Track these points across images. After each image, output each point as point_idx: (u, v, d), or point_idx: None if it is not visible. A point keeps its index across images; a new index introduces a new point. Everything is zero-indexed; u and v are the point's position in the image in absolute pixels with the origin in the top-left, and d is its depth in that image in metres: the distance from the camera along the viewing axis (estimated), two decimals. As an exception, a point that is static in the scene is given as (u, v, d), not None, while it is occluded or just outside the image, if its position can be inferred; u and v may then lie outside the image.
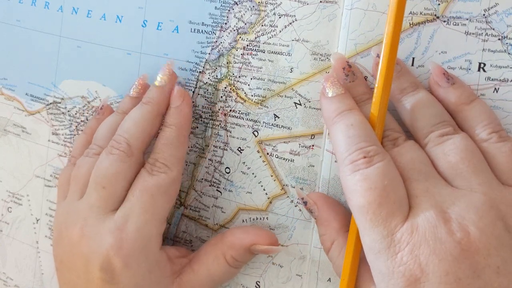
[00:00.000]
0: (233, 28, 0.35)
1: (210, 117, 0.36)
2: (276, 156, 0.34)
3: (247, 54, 0.34)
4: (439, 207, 0.25)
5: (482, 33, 0.29)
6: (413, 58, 0.31)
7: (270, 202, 0.34)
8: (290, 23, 0.33)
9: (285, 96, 0.33)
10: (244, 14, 0.34)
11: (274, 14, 0.33)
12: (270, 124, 0.34)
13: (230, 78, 0.35)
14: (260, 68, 0.34)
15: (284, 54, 0.33)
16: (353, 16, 0.31)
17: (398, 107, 0.30)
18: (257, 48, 0.34)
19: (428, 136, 0.28)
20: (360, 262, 0.29)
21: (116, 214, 0.31)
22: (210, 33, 0.35)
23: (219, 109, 0.35)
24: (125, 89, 0.38)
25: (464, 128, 0.29)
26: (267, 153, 0.34)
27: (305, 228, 0.33)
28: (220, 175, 0.36)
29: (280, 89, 0.34)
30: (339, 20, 0.31)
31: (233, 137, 0.35)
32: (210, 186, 0.36)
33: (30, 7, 0.41)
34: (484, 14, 0.29)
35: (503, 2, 0.29)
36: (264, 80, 0.34)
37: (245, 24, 0.34)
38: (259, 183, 0.35)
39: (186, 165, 0.37)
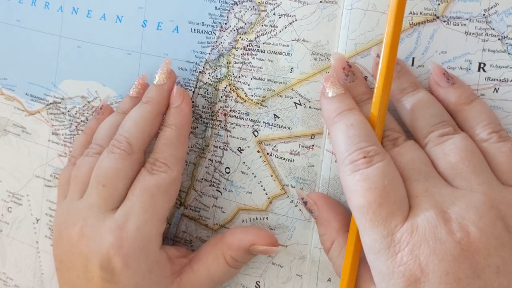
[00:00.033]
0: (233, 28, 0.35)
1: (210, 117, 0.36)
2: (276, 156, 0.34)
3: (247, 54, 0.34)
4: (439, 207, 0.25)
5: (482, 33, 0.29)
6: (413, 58, 0.31)
7: (270, 202, 0.34)
8: (290, 23, 0.33)
9: (285, 96, 0.33)
10: (244, 14, 0.34)
11: (274, 14, 0.33)
12: (270, 124, 0.34)
13: (230, 78, 0.35)
14: (260, 68, 0.34)
15: (284, 54, 0.33)
16: (353, 16, 0.31)
17: (398, 107, 0.30)
18: (257, 48, 0.34)
19: (428, 136, 0.28)
20: (360, 262, 0.29)
21: (117, 213, 0.31)
22: (210, 33, 0.35)
23: (219, 109, 0.35)
24: (125, 89, 0.38)
25: (464, 128, 0.29)
26: (267, 153, 0.34)
27: (305, 228, 0.33)
28: (220, 175, 0.36)
29: (280, 89, 0.34)
30: (339, 20, 0.31)
31: (233, 137, 0.35)
32: (210, 186, 0.36)
33: (30, 7, 0.41)
34: (484, 14, 0.29)
35: (503, 2, 0.29)
36: (264, 80, 0.34)
37: (245, 24, 0.34)
38: (259, 183, 0.35)
39: (186, 165, 0.37)
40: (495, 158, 0.27)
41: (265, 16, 0.33)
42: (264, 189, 0.34)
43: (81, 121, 0.40)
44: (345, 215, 0.31)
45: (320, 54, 0.32)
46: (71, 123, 0.41)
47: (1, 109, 0.44)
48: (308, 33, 0.32)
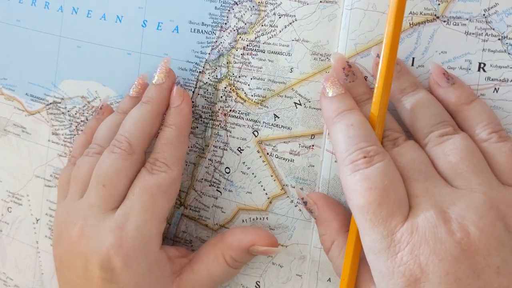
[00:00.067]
0: (233, 28, 0.35)
1: (210, 117, 0.36)
2: (276, 156, 0.34)
3: (247, 54, 0.34)
4: (439, 207, 0.25)
5: (482, 33, 0.29)
6: (413, 58, 0.31)
7: (270, 202, 0.34)
8: (290, 23, 0.33)
9: (285, 96, 0.33)
10: (244, 14, 0.34)
11: (274, 14, 0.33)
12: (270, 124, 0.34)
13: (230, 78, 0.35)
14: (260, 68, 0.34)
15: (284, 54, 0.33)
16: (353, 16, 0.31)
17: (398, 107, 0.30)
18: (257, 48, 0.34)
19: (428, 136, 0.28)
20: (360, 262, 0.29)
21: (117, 213, 0.31)
22: (210, 33, 0.35)
23: (219, 109, 0.35)
24: (125, 89, 0.38)
25: (464, 128, 0.29)
26: (267, 153, 0.34)
27: (305, 228, 0.33)
28: (220, 175, 0.36)
29: (280, 89, 0.34)
30: (339, 20, 0.31)
31: (233, 137, 0.35)
32: (210, 186, 0.36)
33: (30, 7, 0.41)
34: (484, 14, 0.29)
35: (503, 2, 0.29)
36: (264, 80, 0.34)
37: (245, 24, 0.34)
38: (259, 183, 0.35)
39: (186, 165, 0.37)
40: (495, 158, 0.27)
41: (265, 16, 0.33)
42: (264, 189, 0.34)
43: (81, 121, 0.40)
44: (345, 215, 0.31)
45: (320, 54, 0.32)
46: (71, 123, 0.41)
47: (1, 109, 0.44)
48: (308, 33, 0.32)
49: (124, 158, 0.32)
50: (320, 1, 0.32)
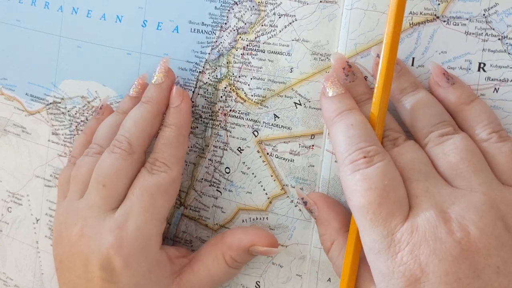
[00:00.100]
0: (233, 28, 0.35)
1: (210, 117, 0.36)
2: (276, 156, 0.34)
3: (247, 54, 0.34)
4: (439, 207, 0.25)
5: (482, 33, 0.29)
6: (413, 58, 0.31)
7: (270, 202, 0.34)
8: (290, 23, 0.33)
9: (285, 96, 0.33)
10: (244, 14, 0.34)
11: (274, 14, 0.33)
12: (270, 124, 0.34)
13: (230, 78, 0.35)
14: (260, 68, 0.34)
15: (284, 54, 0.33)
16: (353, 16, 0.31)
17: (398, 107, 0.30)
18: (257, 48, 0.34)
19: (428, 136, 0.28)
20: (360, 262, 0.29)
21: (117, 213, 0.31)
22: (210, 33, 0.35)
23: (219, 109, 0.35)
24: (125, 89, 0.38)
25: (464, 128, 0.29)
26: (267, 153, 0.34)
27: (305, 228, 0.33)
28: (220, 175, 0.36)
29: (280, 89, 0.34)
30: (339, 20, 0.31)
31: (233, 137, 0.35)
32: (210, 186, 0.36)
33: (30, 7, 0.41)
34: (484, 14, 0.29)
35: (503, 2, 0.29)
36: (264, 80, 0.34)
37: (245, 24, 0.34)
38: (259, 183, 0.35)
39: (186, 165, 0.37)
40: (495, 158, 0.27)
41: (265, 16, 0.33)
42: (264, 189, 0.34)
43: (81, 121, 0.40)
44: (345, 215, 0.31)
45: (320, 54, 0.32)
46: (71, 123, 0.41)
47: (1, 109, 0.44)
48: (308, 33, 0.32)
49: (124, 158, 0.32)
50: (320, 1, 0.32)
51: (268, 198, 0.34)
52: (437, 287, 0.24)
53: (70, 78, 0.41)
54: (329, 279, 0.33)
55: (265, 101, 0.34)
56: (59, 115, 0.41)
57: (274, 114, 0.34)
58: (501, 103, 0.29)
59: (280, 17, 0.33)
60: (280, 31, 0.33)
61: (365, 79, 0.31)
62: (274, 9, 0.33)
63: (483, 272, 0.24)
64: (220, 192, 0.36)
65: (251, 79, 0.34)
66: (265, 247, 0.32)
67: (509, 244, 0.24)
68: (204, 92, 0.36)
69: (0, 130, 0.44)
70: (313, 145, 0.33)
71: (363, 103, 0.30)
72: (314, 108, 0.33)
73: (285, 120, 0.33)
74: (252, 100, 0.34)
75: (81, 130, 0.40)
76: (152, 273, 0.31)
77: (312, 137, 0.33)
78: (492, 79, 0.29)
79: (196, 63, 0.36)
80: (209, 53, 0.35)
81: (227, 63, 0.35)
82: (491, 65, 0.29)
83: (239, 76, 0.35)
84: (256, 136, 0.34)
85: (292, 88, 0.33)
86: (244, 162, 0.35)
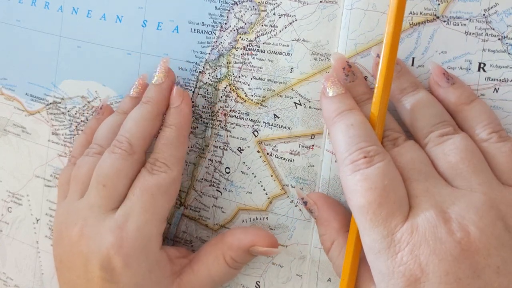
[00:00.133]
0: (233, 28, 0.35)
1: (210, 117, 0.36)
2: (276, 156, 0.34)
3: (247, 54, 0.34)
4: (439, 207, 0.25)
5: (482, 33, 0.29)
6: (413, 58, 0.31)
7: (270, 202, 0.34)
8: (290, 23, 0.33)
9: (285, 96, 0.33)
10: (244, 14, 0.34)
11: (274, 14, 0.33)
12: (270, 124, 0.34)
13: (230, 78, 0.35)
14: (260, 68, 0.34)
15: (284, 54, 0.33)
16: (353, 16, 0.31)
17: (398, 107, 0.30)
18: (257, 48, 0.34)
19: (428, 136, 0.28)
20: (360, 262, 0.29)
21: (117, 213, 0.31)
22: (210, 33, 0.35)
23: (219, 109, 0.35)
24: (125, 89, 0.38)
25: (464, 128, 0.29)
26: (267, 153, 0.34)
27: (305, 228, 0.33)
28: (220, 175, 0.36)
29: (280, 89, 0.34)
30: (339, 20, 0.31)
31: (233, 137, 0.35)
32: (210, 186, 0.36)
33: (30, 7, 0.41)
34: (484, 14, 0.29)
35: (503, 2, 0.29)
36: (264, 80, 0.34)
37: (245, 24, 0.34)
38: (259, 183, 0.35)
39: (186, 165, 0.37)
40: (495, 158, 0.27)
41: (265, 16, 0.33)
42: (264, 189, 0.34)
43: (81, 121, 0.40)
44: (345, 215, 0.31)
45: (320, 54, 0.32)
46: (71, 123, 0.41)
47: (1, 109, 0.44)
48: (308, 33, 0.32)
49: (124, 158, 0.32)
50: (320, 1, 0.32)
51: (268, 198, 0.34)
52: (437, 287, 0.24)
53: (70, 78, 0.41)
54: (329, 279, 0.33)
55: (265, 101, 0.34)
56: (59, 115, 0.41)
57: (274, 114, 0.34)
58: (501, 103, 0.29)
59: (280, 17, 0.33)
60: (280, 31, 0.33)
61: (365, 79, 0.31)
62: (274, 9, 0.33)
63: (483, 272, 0.24)
64: (220, 192, 0.36)
65: (251, 79, 0.34)
66: (265, 247, 0.32)
67: (509, 244, 0.24)
68: (204, 92, 0.36)
69: (0, 130, 0.44)
70: (313, 145, 0.33)
71: (363, 103, 0.30)
72: (314, 108, 0.33)
73: (285, 120, 0.33)
74: (252, 100, 0.34)
75: (81, 130, 0.40)
76: (152, 273, 0.31)
77: (312, 137, 0.33)
78: (492, 79, 0.29)
79: (196, 63, 0.36)
80: (209, 53, 0.35)
81: (227, 63, 0.35)
82: (491, 65, 0.29)
83: (239, 76, 0.35)
84: (256, 136, 0.34)
85: (292, 88, 0.33)
86: (244, 162, 0.35)
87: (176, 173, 0.32)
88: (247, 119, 0.35)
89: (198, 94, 0.36)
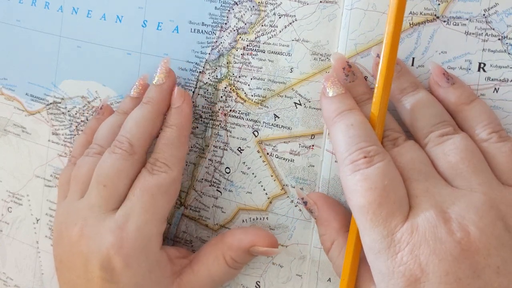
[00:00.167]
0: (233, 28, 0.35)
1: (210, 117, 0.36)
2: (276, 156, 0.34)
3: (247, 54, 0.34)
4: (439, 207, 0.25)
5: (482, 33, 0.29)
6: (413, 58, 0.31)
7: (270, 202, 0.34)
8: (290, 23, 0.33)
9: (285, 96, 0.33)
10: (244, 14, 0.34)
11: (274, 14, 0.33)
12: (270, 124, 0.34)
13: (230, 78, 0.35)
14: (260, 68, 0.34)
15: (284, 54, 0.33)
16: (353, 16, 0.31)
17: (398, 107, 0.30)
18: (257, 48, 0.34)
19: (428, 136, 0.28)
20: (360, 262, 0.29)
21: (117, 213, 0.31)
22: (210, 33, 0.35)
23: (219, 109, 0.35)
24: (125, 89, 0.38)
25: (464, 128, 0.29)
26: (267, 153, 0.34)
27: (305, 228, 0.33)
28: (220, 175, 0.36)
29: (280, 89, 0.34)
30: (339, 20, 0.31)
31: (233, 137, 0.35)
32: (210, 186, 0.36)
33: (30, 7, 0.41)
34: (484, 14, 0.29)
35: (503, 2, 0.29)
36: (264, 80, 0.34)
37: (245, 24, 0.34)
38: (259, 183, 0.35)
39: (186, 165, 0.37)
40: (495, 158, 0.27)
41: (265, 16, 0.33)
42: (264, 189, 0.34)
43: (81, 121, 0.40)
44: (345, 215, 0.31)
45: (320, 54, 0.32)
46: (71, 123, 0.41)
47: (1, 109, 0.44)
48: (308, 33, 0.32)
49: (125, 158, 0.32)
50: (320, 1, 0.32)
51: (268, 198, 0.34)
52: (437, 287, 0.24)
53: (70, 78, 0.41)
54: (329, 279, 0.33)
55: (265, 101, 0.34)
56: (59, 115, 0.41)
57: (274, 114, 0.34)
58: (501, 103, 0.29)
59: (280, 17, 0.33)
60: (280, 31, 0.33)
61: (365, 79, 0.31)
62: (274, 9, 0.33)
63: (483, 272, 0.24)
64: (220, 192, 0.36)
65: (251, 79, 0.34)
66: (265, 247, 0.32)
67: (509, 244, 0.24)
68: (204, 92, 0.36)
69: (0, 130, 0.44)
70: (313, 145, 0.33)
71: (363, 103, 0.30)
72: (314, 108, 0.33)
73: (285, 120, 0.33)
74: (252, 100, 0.34)
75: (81, 130, 0.40)
76: (152, 274, 0.31)
77: (312, 137, 0.33)
78: (492, 79, 0.29)
79: (196, 63, 0.36)
80: (209, 53, 0.35)
81: (227, 63, 0.35)
82: (491, 65, 0.29)
83: (239, 76, 0.35)
84: (256, 136, 0.34)
85: (292, 88, 0.33)
86: (244, 162, 0.35)
87: (176, 173, 0.32)
88: (247, 119, 0.35)
89: (198, 94, 0.36)
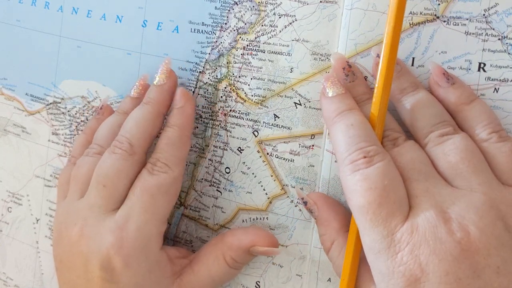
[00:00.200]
0: (233, 28, 0.35)
1: (210, 117, 0.36)
2: (276, 156, 0.34)
3: (247, 54, 0.34)
4: (439, 207, 0.25)
5: (482, 33, 0.29)
6: (413, 58, 0.31)
7: (270, 202, 0.34)
8: (290, 23, 0.33)
9: (285, 96, 0.33)
10: (244, 14, 0.34)
11: (274, 14, 0.33)
12: (270, 124, 0.34)
13: (230, 78, 0.35)
14: (260, 68, 0.34)
15: (284, 54, 0.33)
16: (353, 16, 0.31)
17: (398, 107, 0.30)
18: (257, 48, 0.34)
19: (428, 136, 0.28)
20: (360, 262, 0.29)
21: (117, 213, 0.31)
22: (210, 33, 0.35)
23: (219, 109, 0.35)
24: (125, 89, 0.38)
25: (464, 128, 0.29)
26: (267, 153, 0.34)
27: (305, 228, 0.33)
28: (220, 175, 0.36)
29: (280, 89, 0.34)
30: (339, 20, 0.31)
31: (233, 137, 0.35)
32: (210, 186, 0.36)
33: (30, 7, 0.41)
34: (484, 14, 0.29)
35: (503, 2, 0.29)
36: (264, 80, 0.34)
37: (245, 24, 0.34)
38: (259, 183, 0.35)
39: (186, 165, 0.37)
40: (495, 158, 0.27)
41: (265, 16, 0.33)
42: (264, 189, 0.34)
43: (81, 121, 0.40)
44: (345, 215, 0.31)
45: (320, 54, 0.32)
46: (71, 123, 0.41)
47: (1, 109, 0.44)
48: (308, 33, 0.32)
49: (125, 158, 0.32)
50: (320, 1, 0.32)
51: (268, 198, 0.34)
52: (437, 287, 0.24)
53: (70, 78, 0.41)
54: (329, 279, 0.33)
55: (265, 101, 0.34)
56: (59, 115, 0.41)
57: (274, 114, 0.34)
58: (501, 103, 0.29)
59: (280, 17, 0.33)
60: (280, 31, 0.33)
61: (365, 79, 0.31)
62: (274, 9, 0.33)
63: (483, 272, 0.24)
64: (220, 192, 0.36)
65: (251, 79, 0.34)
66: (265, 247, 0.32)
67: (509, 244, 0.24)
68: (204, 92, 0.36)
69: (0, 130, 0.44)
70: (313, 145, 0.33)
71: (363, 103, 0.30)
72: (314, 108, 0.33)
73: (285, 120, 0.33)
74: (252, 100, 0.34)
75: (81, 130, 0.40)
76: (152, 274, 0.31)
77: (312, 137, 0.33)
78: (492, 79, 0.29)
79: (196, 63, 0.36)
80: (209, 53, 0.35)
81: (227, 63, 0.35)
82: (491, 65, 0.29)
83: (239, 76, 0.35)
84: (256, 136, 0.34)
85: (292, 88, 0.33)
86: (244, 162, 0.35)
87: (177, 174, 0.32)
88: (247, 119, 0.35)
89: (198, 94, 0.36)
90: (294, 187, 0.34)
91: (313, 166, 0.33)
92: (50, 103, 0.41)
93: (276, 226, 0.34)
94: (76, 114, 0.41)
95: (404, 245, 0.25)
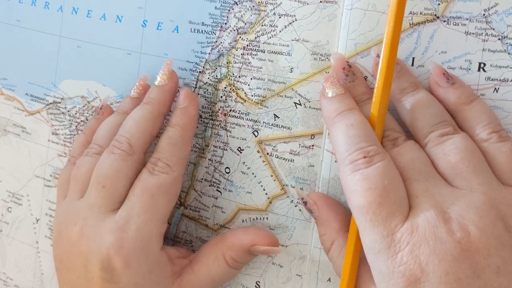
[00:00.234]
0: (233, 28, 0.35)
1: (210, 117, 0.36)
2: (276, 156, 0.34)
3: (247, 54, 0.34)
4: (439, 207, 0.25)
5: (482, 33, 0.29)
6: (413, 58, 0.31)
7: (270, 202, 0.34)
8: (290, 23, 0.33)
9: (285, 96, 0.33)
10: (244, 14, 0.34)
11: (274, 14, 0.33)
12: (270, 124, 0.34)
13: (230, 78, 0.35)
14: (260, 68, 0.34)
15: (284, 54, 0.33)
16: (353, 16, 0.31)
17: (398, 107, 0.30)
18: (257, 48, 0.34)
19: (428, 136, 0.28)
20: (360, 262, 0.29)
21: (118, 214, 0.31)
22: (210, 33, 0.35)
23: (219, 109, 0.35)
24: (125, 89, 0.38)
25: (464, 128, 0.29)
26: (267, 153, 0.34)
27: (305, 228, 0.33)
28: (220, 175, 0.36)
29: (280, 89, 0.34)
30: (339, 20, 0.31)
31: (233, 137, 0.35)
32: (210, 186, 0.36)
33: (30, 7, 0.41)
34: (484, 14, 0.29)
35: (503, 2, 0.29)
36: (264, 80, 0.34)
37: (245, 24, 0.34)
38: (259, 183, 0.35)
39: (186, 165, 0.37)
40: (495, 158, 0.27)
41: (265, 16, 0.33)
42: (264, 189, 0.34)
43: (81, 121, 0.40)
44: (345, 215, 0.31)
45: (320, 54, 0.32)
46: (71, 123, 0.41)
47: (1, 109, 0.44)
48: (308, 33, 0.32)
49: (124, 158, 0.32)
50: (320, 1, 0.32)
51: (268, 198, 0.34)
52: (437, 287, 0.24)
53: (70, 78, 0.41)
54: (329, 279, 0.33)
55: (265, 101, 0.34)
56: (59, 115, 0.41)
57: (274, 114, 0.34)
58: (501, 103, 0.29)
59: (280, 17, 0.33)
60: (280, 31, 0.33)
61: (365, 79, 0.31)
62: (274, 9, 0.33)
63: (483, 272, 0.24)
64: (220, 192, 0.36)
65: (251, 79, 0.34)
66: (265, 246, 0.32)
67: (509, 244, 0.24)
68: (204, 92, 0.36)
69: (0, 130, 0.44)
70: (313, 145, 0.33)
71: (363, 103, 0.30)
72: (314, 108, 0.33)
73: (285, 120, 0.33)
74: (252, 100, 0.34)
75: (81, 130, 0.40)
76: (152, 274, 0.31)
77: (312, 137, 0.33)
78: (492, 79, 0.29)
79: (196, 63, 0.36)
80: (209, 53, 0.35)
81: (227, 63, 0.35)
82: (491, 65, 0.29)
83: (239, 76, 0.35)
84: (256, 136, 0.34)
85: (292, 88, 0.33)
86: (244, 162, 0.35)
87: (177, 174, 0.32)
88: (247, 119, 0.35)
89: (198, 94, 0.36)
90: (294, 187, 0.34)
91: (313, 166, 0.33)
92: (50, 103, 0.41)
93: (276, 226, 0.34)
94: (76, 114, 0.41)
95: (404, 245, 0.25)
